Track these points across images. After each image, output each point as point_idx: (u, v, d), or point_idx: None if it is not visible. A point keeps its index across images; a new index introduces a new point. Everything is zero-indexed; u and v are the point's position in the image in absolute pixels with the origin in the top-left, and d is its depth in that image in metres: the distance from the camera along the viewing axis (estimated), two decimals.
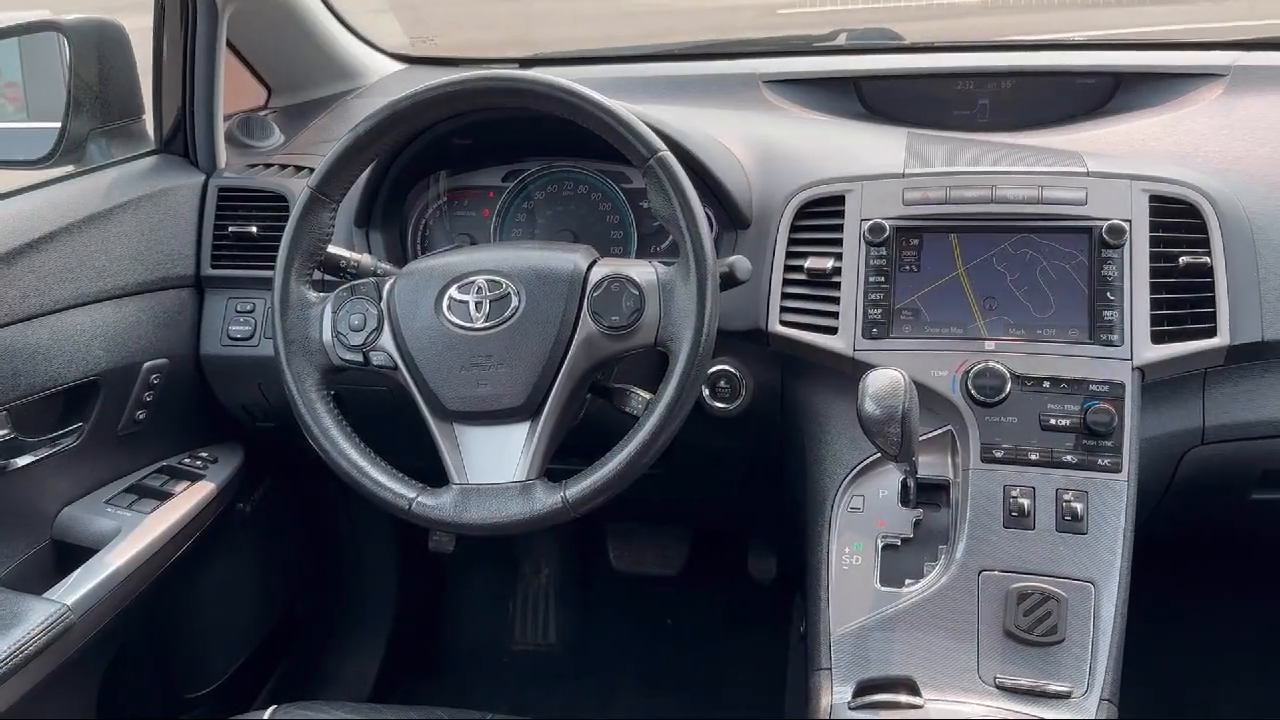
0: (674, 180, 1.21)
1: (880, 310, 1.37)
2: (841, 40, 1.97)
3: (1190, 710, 1.96)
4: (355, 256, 1.38)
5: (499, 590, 2.37)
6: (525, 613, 2.34)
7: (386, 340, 1.27)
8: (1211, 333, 1.29)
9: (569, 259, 1.26)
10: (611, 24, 6.90)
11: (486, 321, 1.24)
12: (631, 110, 1.26)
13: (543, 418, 1.23)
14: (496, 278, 1.26)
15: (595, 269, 1.26)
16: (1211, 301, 1.30)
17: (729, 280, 1.28)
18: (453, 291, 1.26)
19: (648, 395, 1.27)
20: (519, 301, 1.24)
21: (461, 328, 1.24)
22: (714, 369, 1.47)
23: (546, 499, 1.20)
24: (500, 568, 2.37)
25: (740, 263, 1.29)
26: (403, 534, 2.24)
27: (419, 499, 1.23)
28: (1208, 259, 1.31)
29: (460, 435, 1.25)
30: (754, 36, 2.02)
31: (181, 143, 1.73)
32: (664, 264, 1.26)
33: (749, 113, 1.69)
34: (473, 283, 1.26)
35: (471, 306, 1.25)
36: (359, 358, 1.28)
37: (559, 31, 6.64)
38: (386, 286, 1.29)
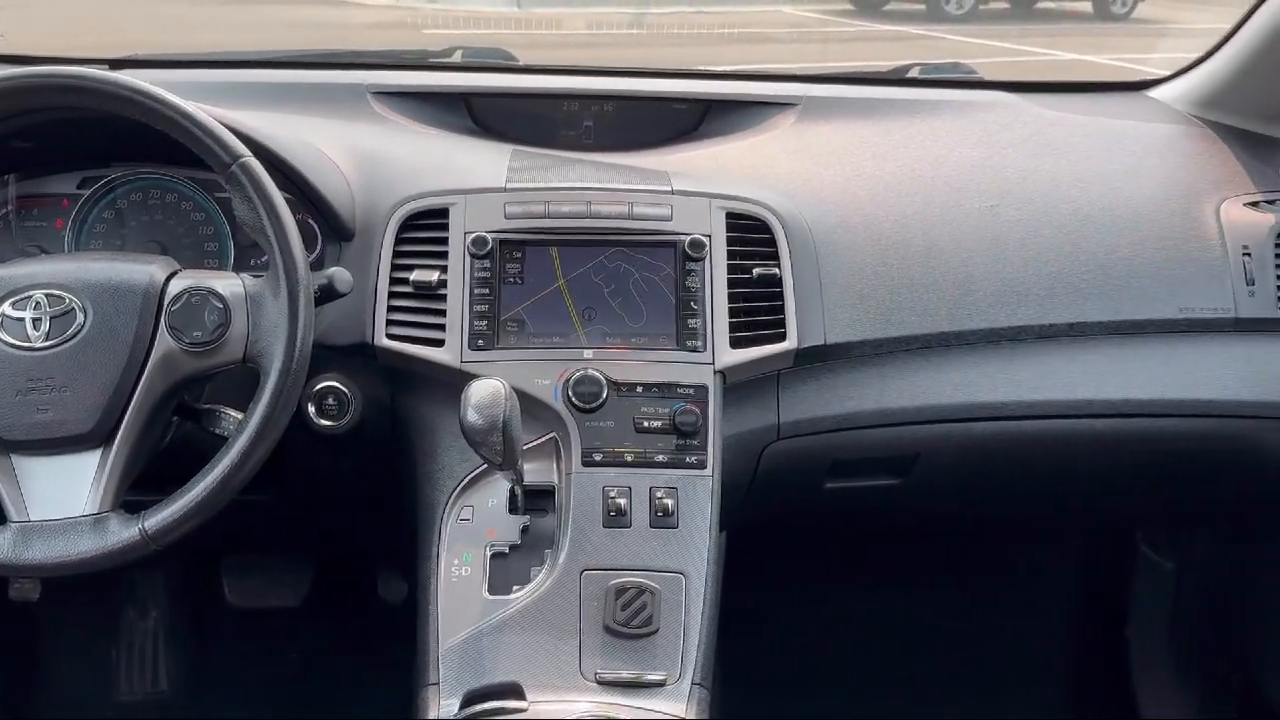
0: (259, 187, 1.16)
1: (486, 322, 1.38)
2: (457, 57, 1.99)
3: (792, 688, 2.13)
4: None
5: (100, 637, 2.15)
6: (131, 659, 2.15)
7: None
8: (781, 337, 1.41)
9: (143, 270, 1.18)
10: (244, 32, 6.57)
11: (47, 340, 1.13)
12: (214, 114, 1.19)
13: (115, 444, 1.14)
14: (58, 292, 1.15)
15: (174, 281, 1.18)
16: (781, 309, 1.42)
17: (328, 293, 1.26)
18: (5, 308, 1.14)
19: (239, 415, 1.21)
20: (85, 318, 1.14)
21: (17, 348, 1.13)
22: (320, 385, 1.42)
23: (122, 532, 1.12)
24: (101, 613, 2.16)
25: (340, 275, 1.27)
26: None
27: None
28: (777, 270, 1.43)
29: (19, 467, 1.14)
30: (367, 49, 1.98)
31: None
32: (254, 276, 1.20)
33: (355, 124, 1.66)
34: (29, 298, 1.15)
35: (28, 324, 1.14)
36: None
37: (186, 37, 6.23)
38: None
